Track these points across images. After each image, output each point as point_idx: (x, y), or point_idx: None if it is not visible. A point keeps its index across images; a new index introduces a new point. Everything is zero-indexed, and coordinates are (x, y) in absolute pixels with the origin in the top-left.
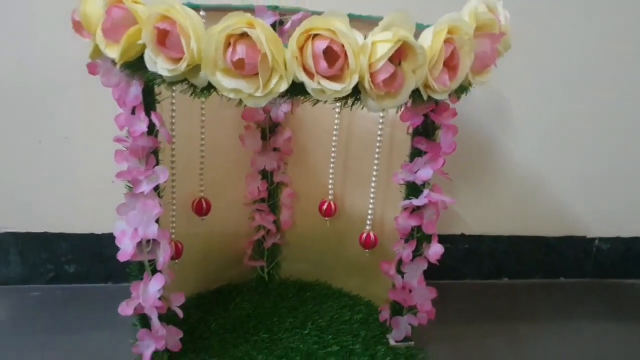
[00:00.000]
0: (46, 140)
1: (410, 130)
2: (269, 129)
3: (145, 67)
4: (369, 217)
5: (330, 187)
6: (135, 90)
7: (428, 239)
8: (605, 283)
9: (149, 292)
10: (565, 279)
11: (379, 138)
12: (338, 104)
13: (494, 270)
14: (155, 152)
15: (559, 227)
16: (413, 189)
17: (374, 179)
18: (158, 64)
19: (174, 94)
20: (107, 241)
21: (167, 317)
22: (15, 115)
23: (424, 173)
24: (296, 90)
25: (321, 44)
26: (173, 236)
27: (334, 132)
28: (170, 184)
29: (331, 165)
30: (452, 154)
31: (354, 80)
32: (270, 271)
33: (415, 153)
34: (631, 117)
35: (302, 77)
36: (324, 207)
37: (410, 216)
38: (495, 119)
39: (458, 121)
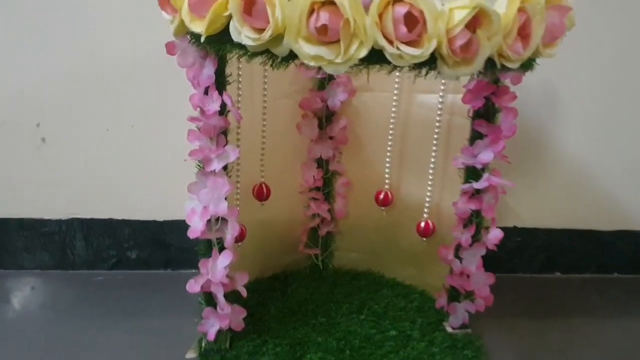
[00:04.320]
0: (113, 129)
1: (471, 114)
2: (325, 118)
3: (228, 40)
4: (427, 204)
5: (387, 176)
6: (209, 70)
7: (487, 224)
8: None
9: (217, 268)
10: (619, 274)
11: (437, 124)
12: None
13: (546, 264)
14: (225, 132)
15: (613, 221)
16: (473, 173)
17: (431, 165)
18: (243, 33)
19: (240, 80)
20: (167, 228)
21: (230, 297)
22: (86, 104)
23: (485, 156)
24: (373, 57)
25: (401, 9)
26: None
27: (391, 121)
28: (235, 168)
29: (387, 154)
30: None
31: (432, 45)
32: (325, 259)
33: (476, 136)
34: None
35: (382, 42)
36: (381, 196)
37: (470, 200)
38: (548, 111)
39: None
